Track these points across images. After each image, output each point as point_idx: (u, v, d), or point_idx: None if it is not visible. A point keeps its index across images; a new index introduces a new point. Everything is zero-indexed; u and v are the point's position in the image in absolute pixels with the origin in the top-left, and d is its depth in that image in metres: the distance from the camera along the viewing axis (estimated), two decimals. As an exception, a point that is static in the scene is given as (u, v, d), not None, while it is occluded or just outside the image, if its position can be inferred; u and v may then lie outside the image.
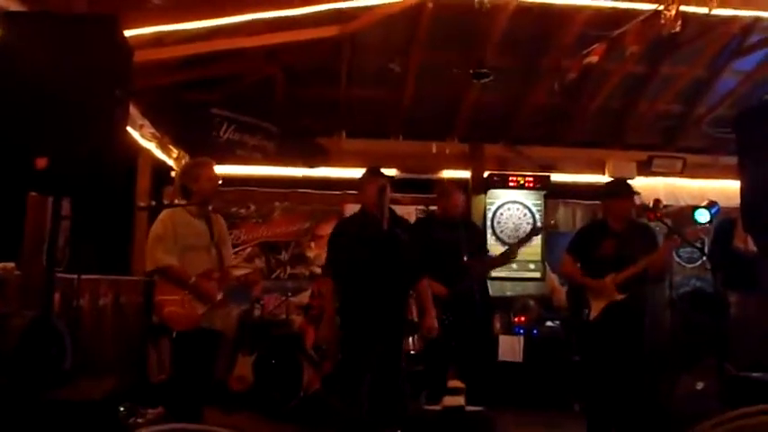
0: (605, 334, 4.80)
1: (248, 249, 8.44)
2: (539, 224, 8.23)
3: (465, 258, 5.34)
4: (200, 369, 4.33)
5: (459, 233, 5.42)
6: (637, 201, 5.21)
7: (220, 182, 4.52)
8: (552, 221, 7.76)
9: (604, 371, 4.80)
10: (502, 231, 8.35)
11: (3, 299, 4.49)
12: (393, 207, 4.60)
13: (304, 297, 7.43)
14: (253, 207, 8.53)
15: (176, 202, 4.51)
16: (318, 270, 7.34)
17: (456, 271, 5.30)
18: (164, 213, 4.40)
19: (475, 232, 5.81)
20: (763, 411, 2.12)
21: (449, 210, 5.54)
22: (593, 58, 6.13)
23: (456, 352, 5.26)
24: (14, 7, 3.97)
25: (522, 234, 8.23)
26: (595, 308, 4.86)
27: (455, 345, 5.20)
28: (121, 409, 4.72)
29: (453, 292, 5.22)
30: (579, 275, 5.03)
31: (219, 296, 4.34)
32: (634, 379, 4.75)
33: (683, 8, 5.13)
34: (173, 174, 7.73)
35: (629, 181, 5.69)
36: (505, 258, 5.83)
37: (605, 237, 4.96)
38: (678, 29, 5.12)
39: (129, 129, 5.69)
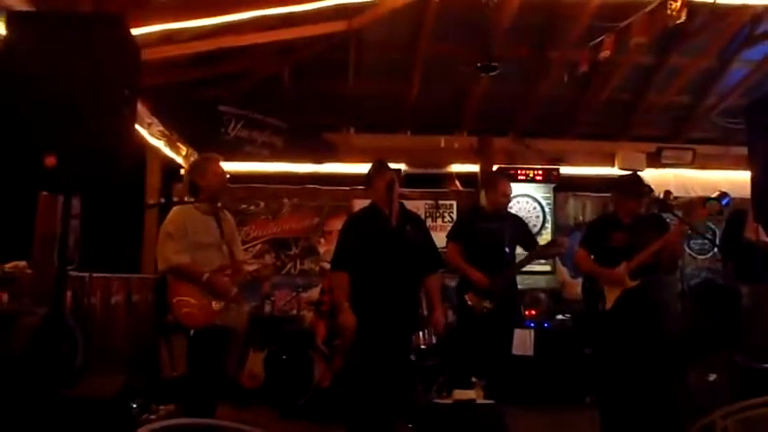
0: (620, 323, 4.79)
1: (258, 246, 8.45)
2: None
3: (507, 250, 5.45)
4: (215, 366, 4.35)
5: (504, 224, 5.50)
6: (648, 194, 5.18)
7: (228, 176, 4.54)
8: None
9: (619, 361, 4.79)
10: (511, 225, 8.32)
11: (15, 297, 4.53)
12: (402, 202, 4.61)
13: (314, 293, 7.44)
14: (262, 203, 8.55)
15: (186, 199, 4.51)
16: (328, 265, 7.34)
17: (497, 261, 5.37)
18: (173, 211, 4.40)
19: (520, 225, 5.81)
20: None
21: (496, 200, 5.58)
22: (606, 53, 6.08)
23: (482, 343, 5.30)
24: (21, 7, 3.99)
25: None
26: (610, 297, 4.85)
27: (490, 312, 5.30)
28: (134, 406, 4.75)
29: (493, 283, 5.29)
30: (593, 266, 5.03)
31: (234, 290, 4.35)
32: (648, 369, 4.73)
33: (689, -2, 5.10)
34: (182, 171, 7.76)
35: (639, 173, 5.66)
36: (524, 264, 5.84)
37: (616, 229, 4.95)
38: (684, 19, 5.09)
39: (137, 127, 5.72)
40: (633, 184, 5.08)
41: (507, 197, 5.69)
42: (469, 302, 5.36)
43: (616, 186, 5.20)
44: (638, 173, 8.01)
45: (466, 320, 5.45)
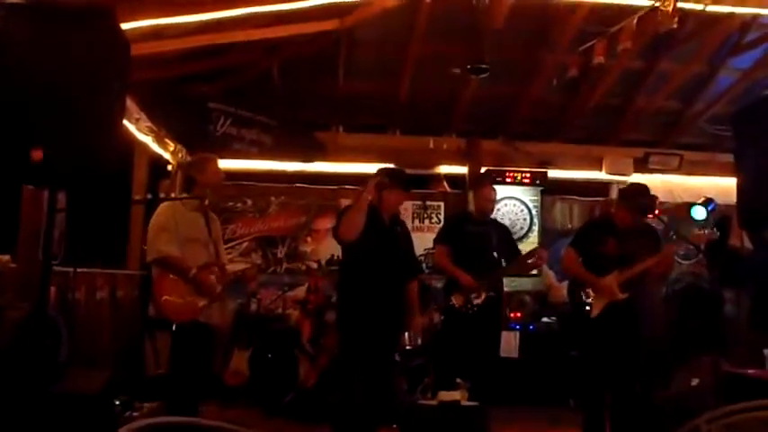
0: (606, 332, 4.81)
1: (245, 244, 8.42)
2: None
3: (494, 253, 5.52)
4: (198, 363, 4.36)
5: (490, 228, 5.58)
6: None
7: (223, 176, 4.70)
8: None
9: (603, 367, 4.81)
10: (498, 227, 8.33)
11: (-2, 292, 4.49)
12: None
13: (300, 291, 7.42)
14: (249, 201, 8.51)
15: (173, 195, 4.55)
16: (315, 265, 7.34)
17: (485, 264, 5.44)
18: (163, 206, 4.49)
19: (504, 233, 5.86)
20: (757, 407, 2.13)
21: (480, 205, 5.63)
22: (600, 58, 6.10)
23: (468, 345, 5.33)
24: (10, -1, 3.95)
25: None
26: (597, 305, 4.86)
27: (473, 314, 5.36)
28: (117, 402, 4.73)
29: (480, 284, 5.34)
30: (582, 271, 5.02)
31: (219, 288, 4.39)
32: (631, 375, 4.76)
33: (680, 4, 5.12)
34: (169, 167, 7.72)
35: (626, 178, 5.68)
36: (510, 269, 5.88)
37: (609, 234, 4.96)
38: (675, 25, 5.12)
39: (125, 122, 5.69)
40: (641, 197, 5.06)
41: (491, 202, 5.74)
42: (456, 304, 5.39)
43: (624, 195, 5.20)
44: (626, 178, 8.07)
45: (452, 322, 5.47)
